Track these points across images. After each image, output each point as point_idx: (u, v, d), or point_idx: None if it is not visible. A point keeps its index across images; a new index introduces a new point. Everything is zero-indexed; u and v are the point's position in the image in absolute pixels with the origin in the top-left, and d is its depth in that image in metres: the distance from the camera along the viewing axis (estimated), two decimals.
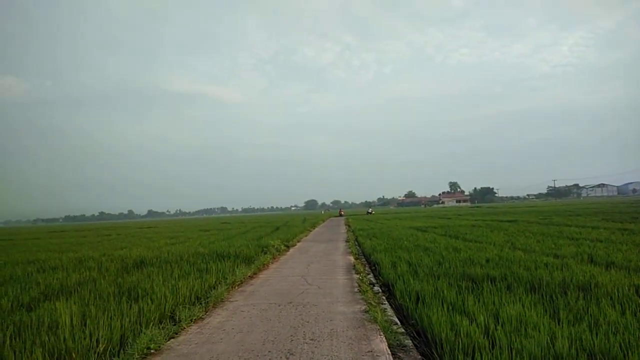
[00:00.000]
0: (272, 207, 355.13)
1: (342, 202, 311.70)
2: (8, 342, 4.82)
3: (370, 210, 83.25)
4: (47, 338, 4.95)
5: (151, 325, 6.13)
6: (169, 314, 6.85)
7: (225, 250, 14.28)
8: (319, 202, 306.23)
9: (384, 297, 7.94)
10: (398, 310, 6.99)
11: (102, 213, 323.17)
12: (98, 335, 5.06)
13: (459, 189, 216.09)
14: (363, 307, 6.98)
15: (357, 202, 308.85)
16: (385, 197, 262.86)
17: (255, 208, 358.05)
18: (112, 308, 6.47)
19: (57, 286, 8.60)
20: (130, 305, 6.68)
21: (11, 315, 6.38)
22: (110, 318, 5.85)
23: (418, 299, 6.87)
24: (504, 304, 6.14)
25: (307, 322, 6.24)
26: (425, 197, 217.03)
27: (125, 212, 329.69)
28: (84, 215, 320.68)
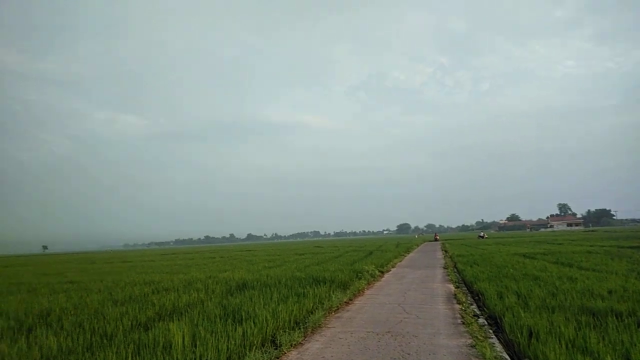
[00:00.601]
0: (364, 231, 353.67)
1: (437, 225, 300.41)
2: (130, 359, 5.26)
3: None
4: (162, 358, 5.32)
5: (254, 348, 6.33)
6: (270, 337, 7.02)
7: (320, 275, 14.41)
8: (412, 226, 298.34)
9: (490, 331, 7.37)
10: (508, 345, 6.43)
11: (207, 237, 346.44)
12: (207, 357, 5.33)
13: (569, 212, 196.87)
14: (468, 341, 6.53)
15: (453, 226, 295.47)
16: (484, 221, 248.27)
17: (347, 232, 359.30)
18: (218, 330, 6.79)
19: (170, 307, 9.28)
20: (235, 328, 6.96)
21: (131, 334, 6.99)
22: (218, 340, 6.14)
23: (531, 334, 6.27)
24: (635, 344, 5.36)
25: (408, 354, 5.98)
26: (530, 221, 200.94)
27: (227, 235, 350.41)
28: (192, 238, 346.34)
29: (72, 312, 9.17)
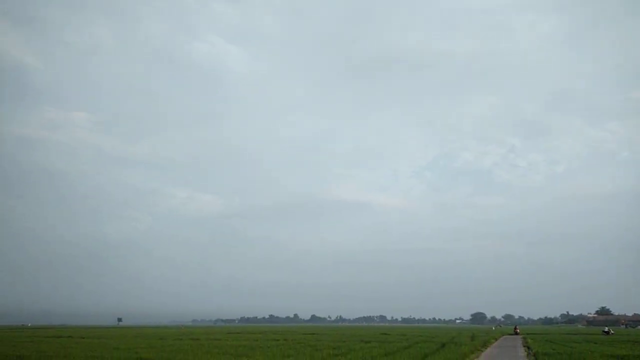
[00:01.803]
0: (434, 319, 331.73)
1: (516, 317, 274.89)
2: None
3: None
4: None
5: None
6: None
7: None
8: (488, 316, 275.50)
9: None
10: None
11: (271, 316, 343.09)
12: None
13: None
14: None
15: (535, 318, 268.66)
16: (570, 314, 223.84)
17: (416, 319, 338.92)
18: None
19: None
20: None
21: None
22: None
23: None
24: None
25: None
26: (624, 316, 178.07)
27: (292, 315, 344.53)
28: (256, 317, 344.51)
29: None
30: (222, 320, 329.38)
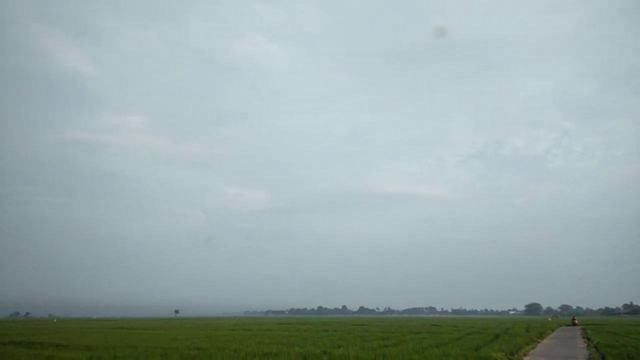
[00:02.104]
0: (486, 310, 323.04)
1: (574, 307, 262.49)
2: None
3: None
4: None
5: None
6: None
7: None
8: (544, 307, 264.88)
9: None
10: None
11: (320, 307, 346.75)
12: None
13: None
14: None
15: (594, 309, 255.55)
16: (634, 304, 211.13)
17: (467, 310, 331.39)
18: None
19: None
20: None
21: None
22: None
23: None
24: None
25: None
26: None
27: (340, 307, 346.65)
28: (305, 308, 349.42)
29: None
30: (272, 312, 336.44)
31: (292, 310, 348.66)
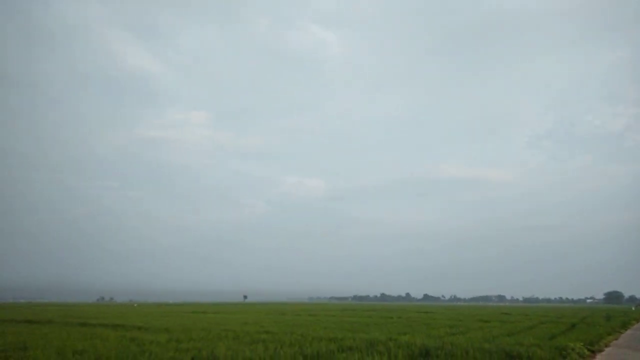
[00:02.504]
0: (560, 298, 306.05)
1: None
2: None
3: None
4: None
5: None
6: None
7: (513, 349, 12.89)
8: (626, 295, 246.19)
9: None
10: None
11: (383, 294, 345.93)
12: None
13: None
14: None
15: None
16: None
17: (540, 298, 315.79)
18: None
19: None
20: None
21: None
22: None
23: None
24: None
25: None
26: None
27: (403, 294, 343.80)
28: (368, 295, 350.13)
29: None
30: (335, 298, 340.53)
31: (355, 297, 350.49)
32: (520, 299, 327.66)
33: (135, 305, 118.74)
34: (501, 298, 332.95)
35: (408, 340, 15.26)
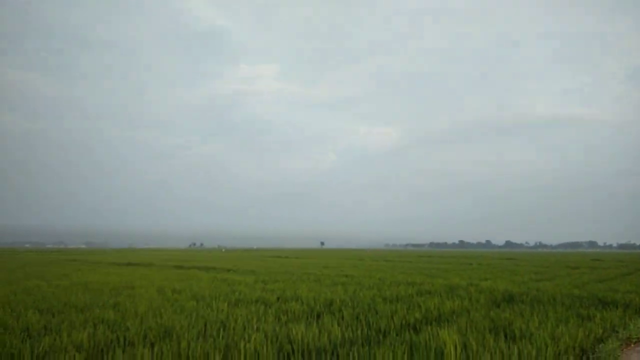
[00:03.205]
0: None
1: None
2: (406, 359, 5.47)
3: None
4: None
5: None
6: None
7: (607, 295, 12.07)
8: None
9: None
10: None
11: (461, 241, 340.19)
12: None
13: None
14: None
15: None
16: None
17: (637, 244, 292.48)
18: (490, 344, 6.41)
19: (435, 312, 9.34)
20: (509, 346, 6.44)
21: (402, 333, 7.31)
22: (491, 355, 5.79)
23: None
24: None
25: None
26: None
27: (483, 241, 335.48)
28: (446, 242, 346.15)
29: (349, 305, 10.30)
30: (412, 245, 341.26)
31: (431, 244, 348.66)
32: (615, 245, 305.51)
33: (223, 250, 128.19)
34: (592, 244, 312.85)
35: (490, 285, 14.88)
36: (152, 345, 6.40)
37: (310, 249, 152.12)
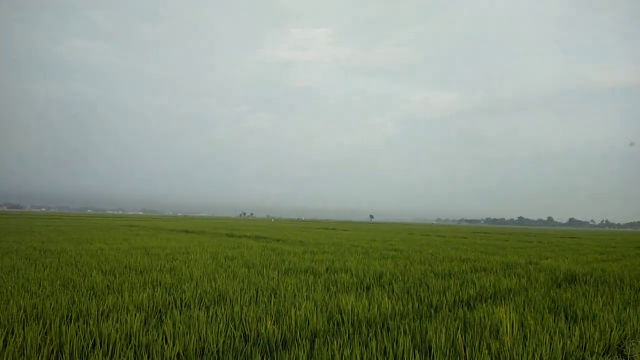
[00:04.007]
0: None
1: None
2: (459, 335, 5.29)
3: None
4: (491, 342, 5.12)
5: (594, 355, 5.35)
6: (616, 346, 5.80)
7: None
8: None
9: None
10: None
11: (520, 218, 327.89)
12: (541, 352, 4.80)
13: None
14: None
15: None
16: None
17: None
18: (549, 325, 6.08)
19: (490, 289, 9.00)
20: (569, 327, 6.08)
21: (455, 310, 7.10)
22: (551, 336, 5.48)
23: None
24: None
25: None
26: None
27: (544, 218, 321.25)
28: (504, 218, 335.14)
29: (400, 278, 10.17)
30: (466, 220, 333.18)
31: (487, 220, 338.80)
32: None
33: (272, 220, 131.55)
34: None
35: (550, 264, 14.18)
36: (207, 308, 6.62)
37: (359, 222, 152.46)
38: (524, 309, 7.09)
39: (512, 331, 5.61)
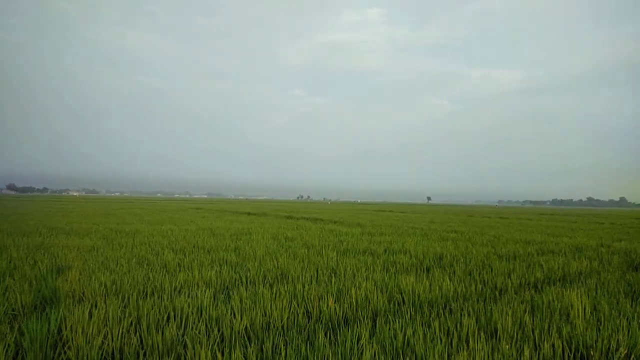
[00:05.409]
0: None
1: None
2: (527, 318, 5.13)
3: None
4: (562, 325, 4.93)
5: None
6: None
7: None
8: None
9: None
10: None
11: (589, 198, 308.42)
12: (618, 338, 4.56)
13: None
14: None
15: None
16: None
17: None
18: (626, 310, 5.74)
19: (559, 272, 8.61)
20: None
21: (521, 292, 6.87)
22: (629, 321, 5.17)
23: None
24: None
25: None
26: None
27: (617, 199, 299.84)
28: (571, 199, 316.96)
29: (461, 260, 9.96)
30: (530, 202, 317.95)
31: (554, 201, 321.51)
32: None
33: (329, 202, 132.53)
34: None
35: (625, 247, 13.29)
36: (271, 286, 6.87)
37: (416, 204, 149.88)
38: (596, 293, 6.73)
39: (584, 315, 5.35)
